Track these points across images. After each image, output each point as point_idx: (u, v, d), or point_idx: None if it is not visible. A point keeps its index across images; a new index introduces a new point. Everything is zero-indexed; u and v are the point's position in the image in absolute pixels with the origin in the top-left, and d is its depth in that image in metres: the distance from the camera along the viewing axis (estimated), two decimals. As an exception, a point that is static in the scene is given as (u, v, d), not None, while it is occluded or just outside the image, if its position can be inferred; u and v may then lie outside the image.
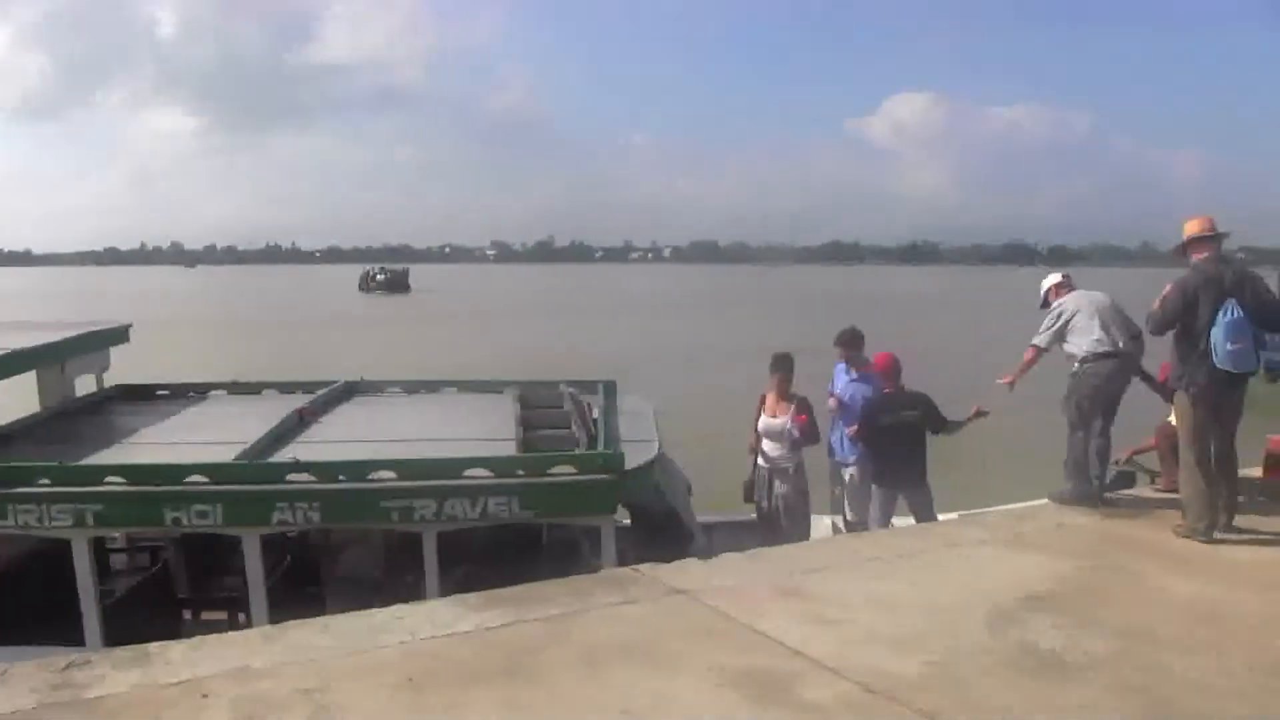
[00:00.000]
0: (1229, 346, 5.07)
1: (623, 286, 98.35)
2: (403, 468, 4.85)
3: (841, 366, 7.32)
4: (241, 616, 5.64)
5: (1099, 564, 4.69)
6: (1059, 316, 6.04)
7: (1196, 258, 5.33)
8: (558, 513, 5.16)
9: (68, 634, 4.57)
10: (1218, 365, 5.11)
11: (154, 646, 3.52)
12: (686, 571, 4.48)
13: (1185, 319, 5.22)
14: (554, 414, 6.18)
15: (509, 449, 5.42)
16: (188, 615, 6.23)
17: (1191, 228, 5.40)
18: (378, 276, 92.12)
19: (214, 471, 4.82)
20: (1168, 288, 5.34)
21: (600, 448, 5.20)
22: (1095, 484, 5.95)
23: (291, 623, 3.81)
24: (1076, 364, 6.00)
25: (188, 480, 4.76)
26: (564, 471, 4.93)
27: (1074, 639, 3.65)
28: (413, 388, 7.69)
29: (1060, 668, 3.40)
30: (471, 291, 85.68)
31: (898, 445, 6.67)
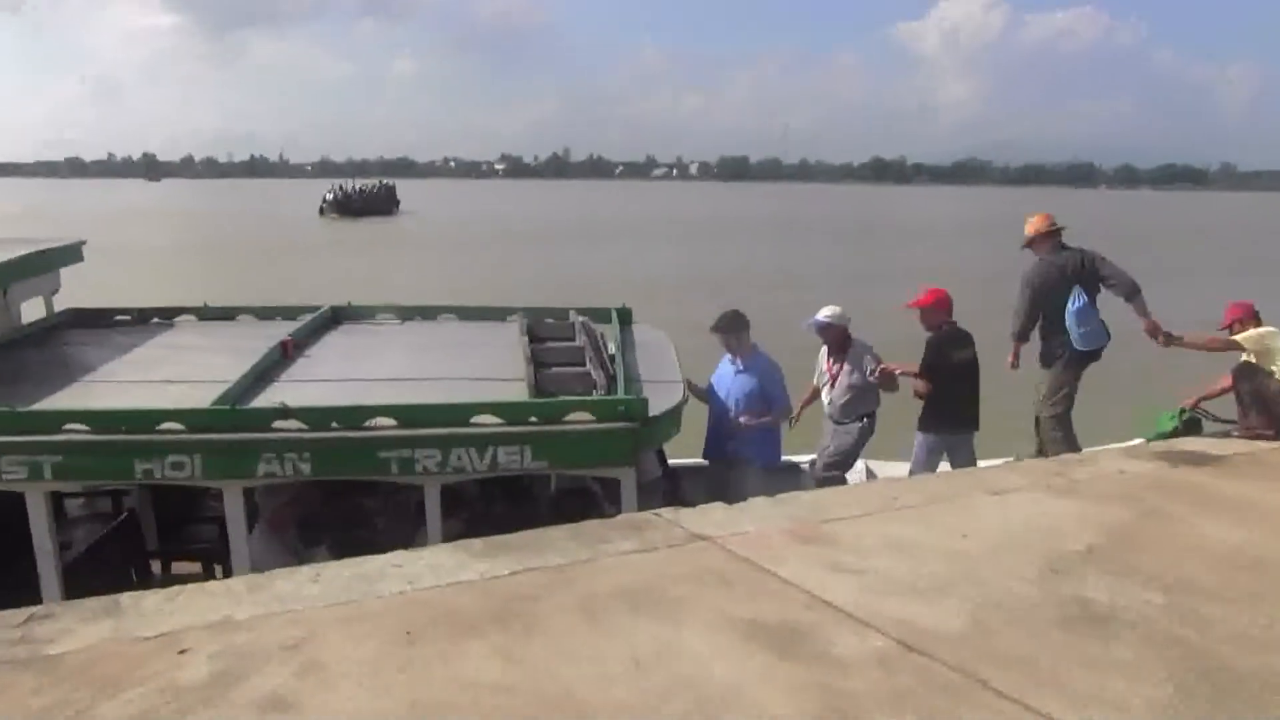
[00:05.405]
0: (1080, 330, 6.42)
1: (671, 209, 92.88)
2: (403, 414, 4.56)
3: (725, 358, 6.79)
4: (218, 568, 5.54)
5: (1144, 511, 4.65)
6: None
7: (1040, 252, 6.67)
8: (574, 464, 4.95)
9: (23, 593, 4.22)
10: (1075, 347, 6.47)
11: (126, 597, 3.41)
12: (709, 516, 4.44)
13: (1043, 308, 6.59)
14: (567, 349, 5.92)
15: (518, 389, 5.15)
16: (157, 568, 6.05)
17: (1036, 225, 6.67)
18: (327, 196, 71.29)
19: (191, 418, 4.47)
20: (1017, 293, 6.71)
21: (620, 390, 4.96)
22: None
23: (279, 570, 3.74)
24: None
25: (160, 428, 4.43)
26: (581, 419, 4.70)
27: (1111, 589, 3.64)
28: (407, 314, 7.28)
29: (1096, 619, 3.39)
30: (470, 215, 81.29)
31: (962, 384, 6.60)
